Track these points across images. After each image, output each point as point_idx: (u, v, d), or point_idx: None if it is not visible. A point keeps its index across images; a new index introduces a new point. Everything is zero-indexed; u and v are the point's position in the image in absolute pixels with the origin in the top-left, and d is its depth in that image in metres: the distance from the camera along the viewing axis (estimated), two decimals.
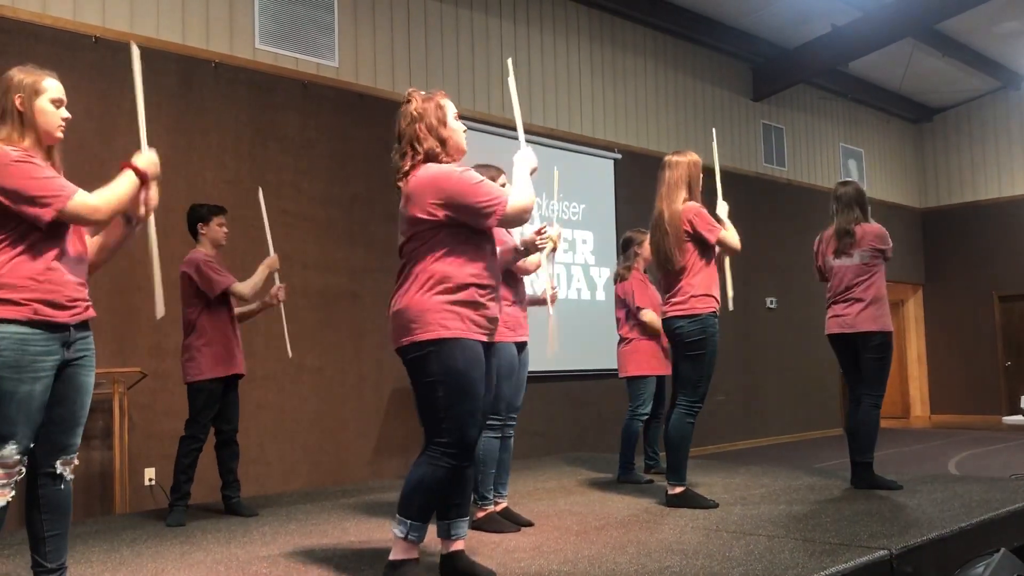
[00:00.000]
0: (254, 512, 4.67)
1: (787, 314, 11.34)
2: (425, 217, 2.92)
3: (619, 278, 5.74)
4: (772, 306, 11.14)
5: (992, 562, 3.47)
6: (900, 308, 14.17)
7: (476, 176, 2.98)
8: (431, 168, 2.96)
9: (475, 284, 2.93)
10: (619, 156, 9.42)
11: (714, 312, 4.39)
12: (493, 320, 3.01)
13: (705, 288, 4.39)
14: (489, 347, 3.02)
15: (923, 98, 13.76)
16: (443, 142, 3.03)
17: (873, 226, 4.93)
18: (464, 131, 3.12)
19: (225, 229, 4.79)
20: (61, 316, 2.70)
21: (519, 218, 3.00)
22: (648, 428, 5.82)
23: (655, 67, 10.12)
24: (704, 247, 4.43)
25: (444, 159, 3.03)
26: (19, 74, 2.77)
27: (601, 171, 9.29)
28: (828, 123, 12.73)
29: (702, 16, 10.23)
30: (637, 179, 9.16)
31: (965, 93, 13.61)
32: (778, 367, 11.21)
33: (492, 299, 2.99)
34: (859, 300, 4.86)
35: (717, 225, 4.43)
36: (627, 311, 5.64)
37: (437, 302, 2.88)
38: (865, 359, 4.87)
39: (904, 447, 10.01)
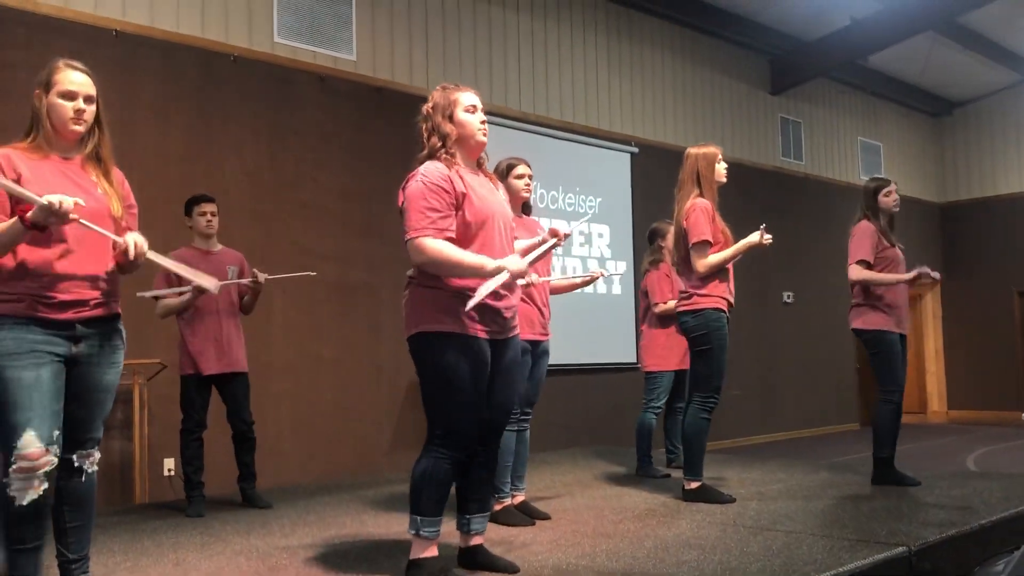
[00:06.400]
0: (268, 503, 4.68)
1: (804, 309, 11.29)
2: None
3: (644, 272, 5.76)
4: (789, 300, 11.09)
5: (1013, 559, 3.45)
6: (918, 303, 14.08)
7: (423, 195, 2.87)
8: (417, 171, 2.96)
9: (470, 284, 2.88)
10: (636, 150, 9.39)
11: (718, 308, 4.36)
12: (497, 316, 2.96)
13: (710, 285, 4.37)
14: (498, 344, 2.99)
15: (943, 92, 13.63)
16: (445, 138, 2.99)
17: (854, 227, 4.88)
18: (482, 123, 3.04)
19: (207, 218, 4.70)
20: (61, 314, 2.65)
21: (418, 259, 2.89)
22: (668, 422, 5.82)
23: (672, 60, 10.08)
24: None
25: (445, 155, 2.98)
26: (45, 69, 2.76)
27: (618, 165, 9.26)
28: (847, 117, 12.63)
29: (720, 9, 10.17)
30: (654, 173, 9.13)
31: (985, 87, 13.48)
32: (795, 362, 11.16)
33: (493, 296, 2.88)
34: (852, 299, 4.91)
35: (704, 232, 4.30)
36: (647, 304, 5.65)
37: (431, 297, 2.92)
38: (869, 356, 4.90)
39: (921, 443, 9.95)
